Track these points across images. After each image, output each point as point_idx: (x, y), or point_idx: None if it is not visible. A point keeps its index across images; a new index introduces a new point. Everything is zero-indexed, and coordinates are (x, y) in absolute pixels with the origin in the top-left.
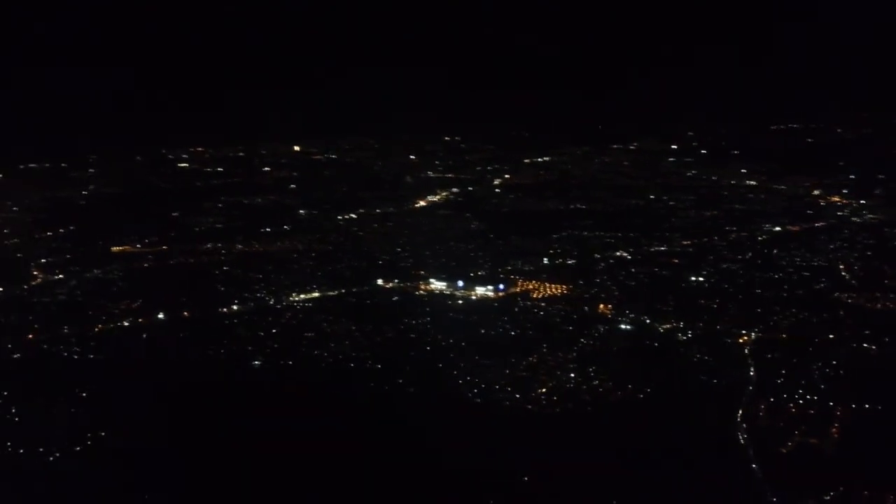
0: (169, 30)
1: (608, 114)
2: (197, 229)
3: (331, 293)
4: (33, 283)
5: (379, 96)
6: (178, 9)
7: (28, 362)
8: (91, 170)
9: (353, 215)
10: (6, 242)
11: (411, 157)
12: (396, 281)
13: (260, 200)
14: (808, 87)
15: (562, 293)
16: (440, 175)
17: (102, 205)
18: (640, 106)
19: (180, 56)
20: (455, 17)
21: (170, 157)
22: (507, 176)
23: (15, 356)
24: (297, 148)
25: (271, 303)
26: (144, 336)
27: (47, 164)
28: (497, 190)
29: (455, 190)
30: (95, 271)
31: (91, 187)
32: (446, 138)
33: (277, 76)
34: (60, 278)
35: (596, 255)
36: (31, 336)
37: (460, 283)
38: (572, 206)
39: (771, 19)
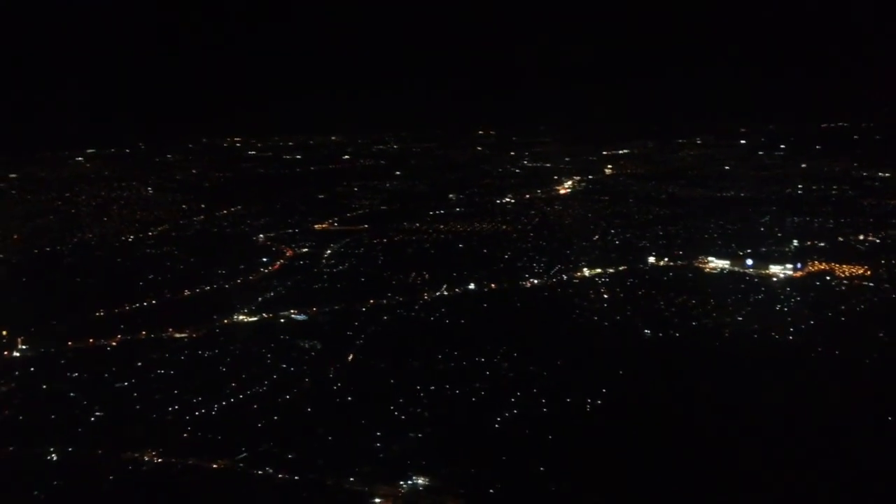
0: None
1: (641, 112)
2: (362, 211)
3: (611, 270)
4: (283, 259)
5: (389, 97)
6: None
7: (403, 327)
8: (168, 155)
9: (510, 199)
10: (188, 220)
11: (478, 148)
12: (667, 260)
13: (388, 185)
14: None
15: (864, 273)
16: (539, 165)
17: (233, 186)
18: (659, 105)
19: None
20: (473, 20)
21: (223, 145)
22: (609, 166)
23: (384, 318)
24: (333, 138)
25: (565, 278)
26: (485, 305)
27: (112, 150)
28: (620, 178)
29: (576, 177)
30: (334, 246)
31: (193, 171)
32: (480, 132)
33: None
34: (307, 252)
35: (839, 239)
36: (372, 301)
37: (749, 262)
38: (725, 194)
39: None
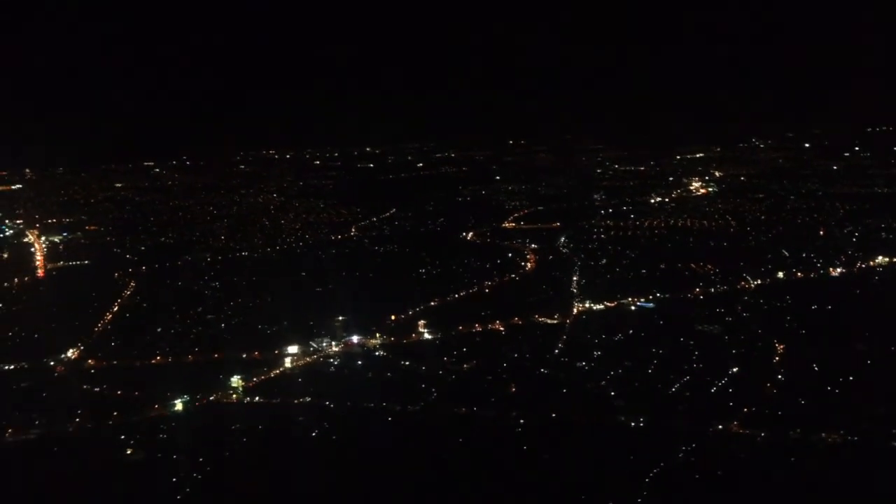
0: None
1: (664, 118)
2: (524, 211)
3: (852, 269)
4: (531, 255)
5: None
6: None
7: (767, 313)
8: (242, 166)
9: (661, 199)
10: (369, 222)
11: (541, 154)
12: None
13: (510, 188)
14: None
15: None
16: (632, 168)
17: (351, 192)
18: (675, 112)
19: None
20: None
21: (275, 156)
22: (712, 168)
23: (738, 306)
24: (368, 148)
25: (807, 275)
26: (825, 292)
27: (174, 162)
28: (741, 178)
29: (695, 179)
30: (560, 242)
31: (290, 178)
32: (510, 141)
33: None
34: (540, 248)
35: None
36: (697, 290)
37: None
38: (881, 191)
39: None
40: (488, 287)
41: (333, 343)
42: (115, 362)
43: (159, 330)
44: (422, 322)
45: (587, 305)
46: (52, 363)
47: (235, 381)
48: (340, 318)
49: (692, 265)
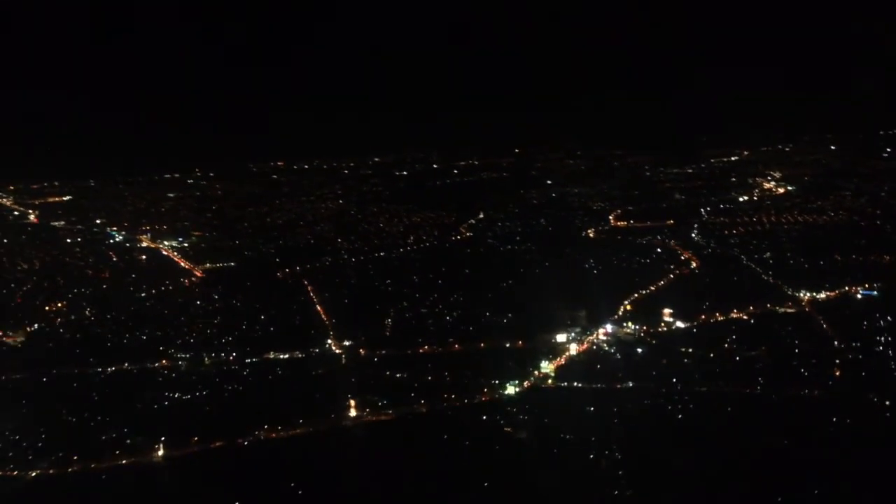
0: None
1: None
2: (615, 212)
3: None
4: (681, 251)
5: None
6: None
7: None
8: (274, 175)
9: (749, 197)
10: (467, 225)
11: (570, 161)
12: None
13: (577, 190)
14: None
15: None
16: (677, 171)
17: (415, 197)
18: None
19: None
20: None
21: (293, 167)
22: (763, 169)
23: None
24: (377, 158)
25: None
26: None
27: (198, 173)
28: (805, 179)
29: (759, 180)
30: (695, 238)
31: (338, 190)
32: (517, 150)
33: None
34: (676, 244)
35: None
36: None
37: None
38: None
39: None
40: (672, 280)
41: (600, 331)
42: (383, 352)
43: (388, 322)
44: (667, 311)
45: (808, 295)
46: (334, 351)
47: (546, 366)
48: (581, 309)
49: (872, 256)
